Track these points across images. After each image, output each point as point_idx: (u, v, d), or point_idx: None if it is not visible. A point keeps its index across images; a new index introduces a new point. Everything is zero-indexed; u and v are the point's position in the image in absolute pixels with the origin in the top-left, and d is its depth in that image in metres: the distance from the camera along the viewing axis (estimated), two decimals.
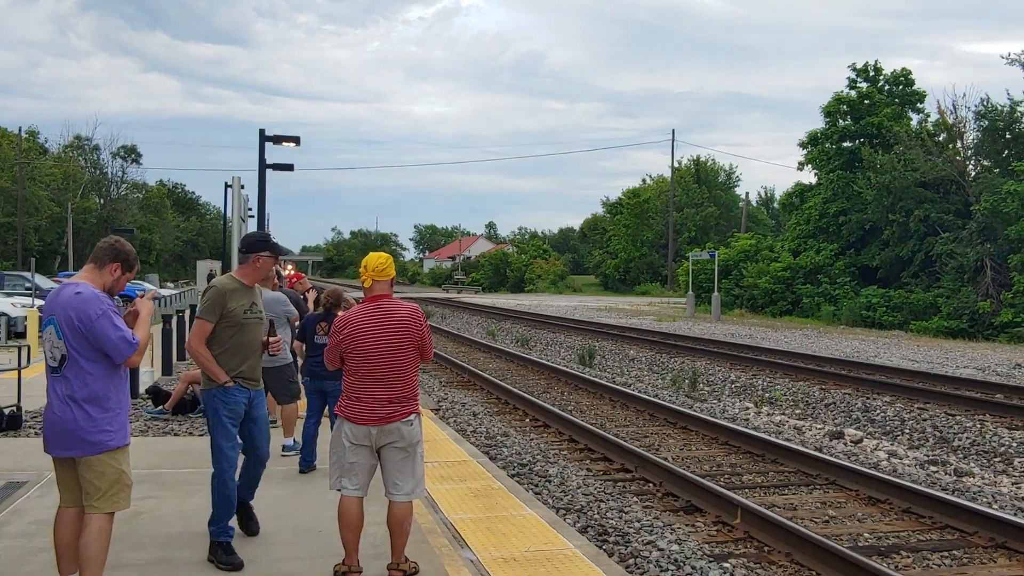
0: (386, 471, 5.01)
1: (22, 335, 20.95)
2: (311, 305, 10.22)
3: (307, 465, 7.90)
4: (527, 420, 12.79)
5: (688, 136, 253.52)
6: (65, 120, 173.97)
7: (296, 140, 16.02)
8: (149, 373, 14.31)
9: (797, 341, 26.68)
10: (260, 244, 5.67)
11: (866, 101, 44.62)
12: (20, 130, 59.69)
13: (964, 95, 59.64)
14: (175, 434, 9.84)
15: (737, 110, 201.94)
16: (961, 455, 11.29)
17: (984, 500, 8.66)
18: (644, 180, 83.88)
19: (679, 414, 12.58)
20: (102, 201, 71.80)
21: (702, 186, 74.45)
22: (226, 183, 33.61)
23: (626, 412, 13.52)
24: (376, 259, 5.10)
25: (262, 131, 15.91)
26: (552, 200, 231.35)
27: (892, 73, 45.86)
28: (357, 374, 4.96)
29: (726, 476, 9.41)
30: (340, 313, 7.79)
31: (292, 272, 14.14)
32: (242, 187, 12.80)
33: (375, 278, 5.06)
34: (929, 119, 43.69)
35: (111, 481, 4.29)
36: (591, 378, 16.62)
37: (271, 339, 5.73)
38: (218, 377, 5.39)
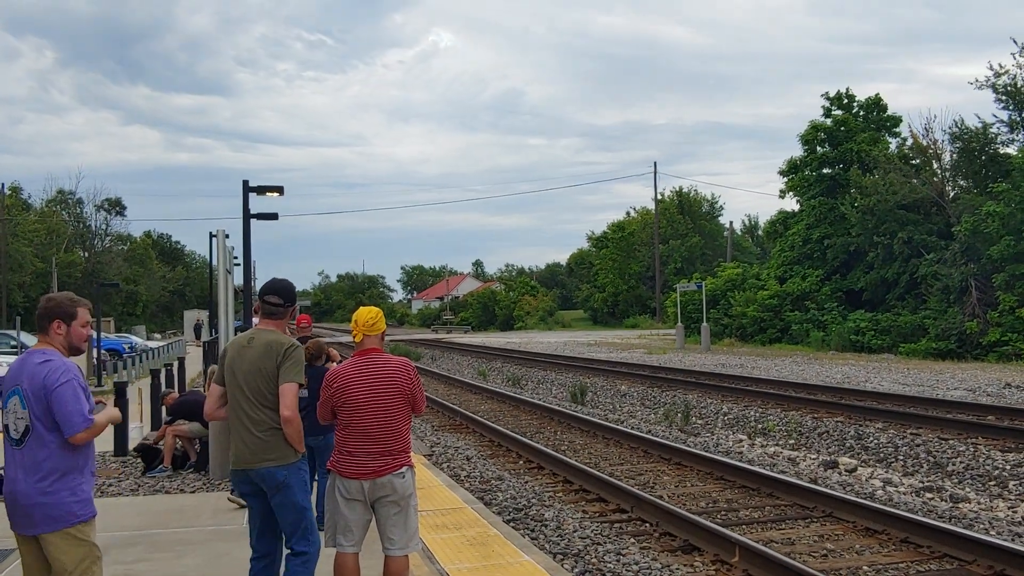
0: (380, 525, 4.98)
1: None
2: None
3: (323, 520, 7.81)
4: (521, 462, 12.73)
5: (669, 167, 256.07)
6: (48, 174, 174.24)
7: (280, 190, 16.06)
8: (138, 429, 14.20)
9: (788, 369, 26.71)
10: (294, 295, 5.07)
11: (842, 128, 45.15)
12: (2, 186, 59.65)
13: (935, 117, 60.44)
14: (166, 491, 9.74)
15: (715, 139, 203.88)
16: (956, 480, 11.29)
17: (981, 526, 8.66)
18: (628, 213, 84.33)
19: (673, 450, 12.55)
20: (87, 254, 71.55)
21: (686, 217, 74.93)
22: (211, 233, 33.59)
23: (620, 450, 13.47)
24: (367, 314, 5.11)
25: (246, 182, 15.94)
26: (537, 235, 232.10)
27: (866, 100, 46.47)
28: (348, 428, 4.95)
29: (722, 512, 9.37)
30: (329, 366, 7.78)
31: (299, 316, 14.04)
32: (227, 237, 12.77)
33: (366, 332, 5.08)
34: (906, 143, 44.20)
35: (80, 556, 4.07)
36: (584, 416, 16.57)
37: None
38: (301, 448, 4.88)
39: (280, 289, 4.92)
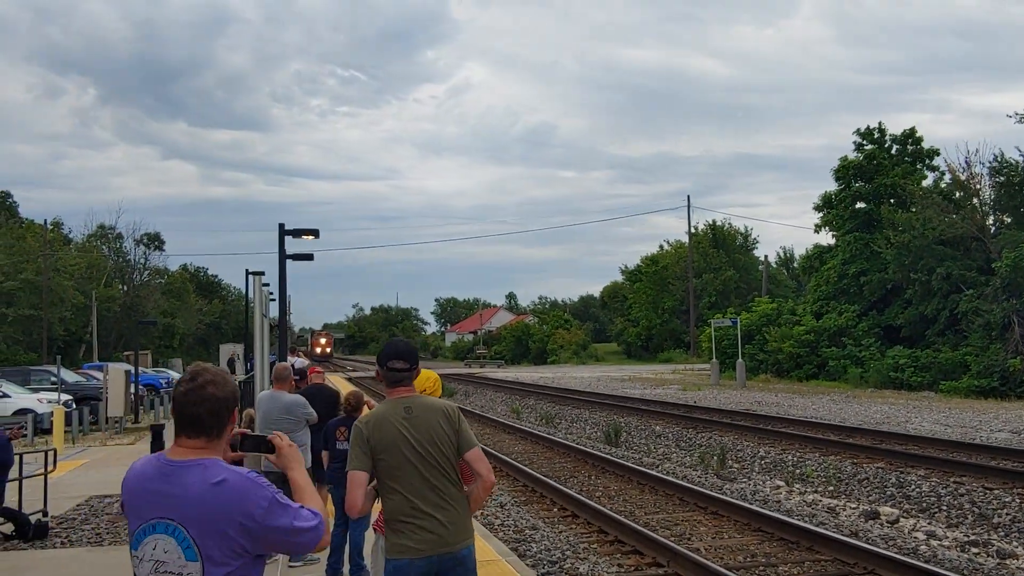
0: None
1: (48, 432, 21.04)
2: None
3: (334, 572, 7.79)
4: (555, 509, 12.60)
5: (701, 199, 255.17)
6: (89, 209, 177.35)
7: (315, 233, 16.20)
8: None
9: (825, 408, 26.32)
10: (417, 356, 4.44)
11: (873, 162, 44.77)
12: (45, 222, 60.87)
13: (976, 151, 59.56)
14: None
15: (748, 171, 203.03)
16: (1002, 533, 11.00)
17: None
18: (661, 246, 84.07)
19: (710, 498, 12.36)
20: (125, 288, 72.63)
21: (720, 250, 74.48)
22: (247, 271, 33.98)
23: (655, 497, 13.30)
24: (425, 381, 4.94)
25: (282, 226, 16.12)
26: (570, 268, 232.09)
27: (901, 133, 46.06)
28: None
29: (761, 568, 9.19)
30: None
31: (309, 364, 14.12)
32: (264, 282, 12.91)
33: None
34: (944, 177, 43.67)
35: None
36: (618, 460, 16.40)
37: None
38: None
39: (405, 352, 4.25)
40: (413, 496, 3.96)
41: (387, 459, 3.97)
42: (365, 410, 8.34)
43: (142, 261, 76.78)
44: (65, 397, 23.82)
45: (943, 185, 43.01)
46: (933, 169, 45.55)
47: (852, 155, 46.17)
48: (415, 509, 3.94)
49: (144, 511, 2.59)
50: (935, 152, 45.51)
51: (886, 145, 45.88)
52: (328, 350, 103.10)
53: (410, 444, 3.98)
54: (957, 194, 41.34)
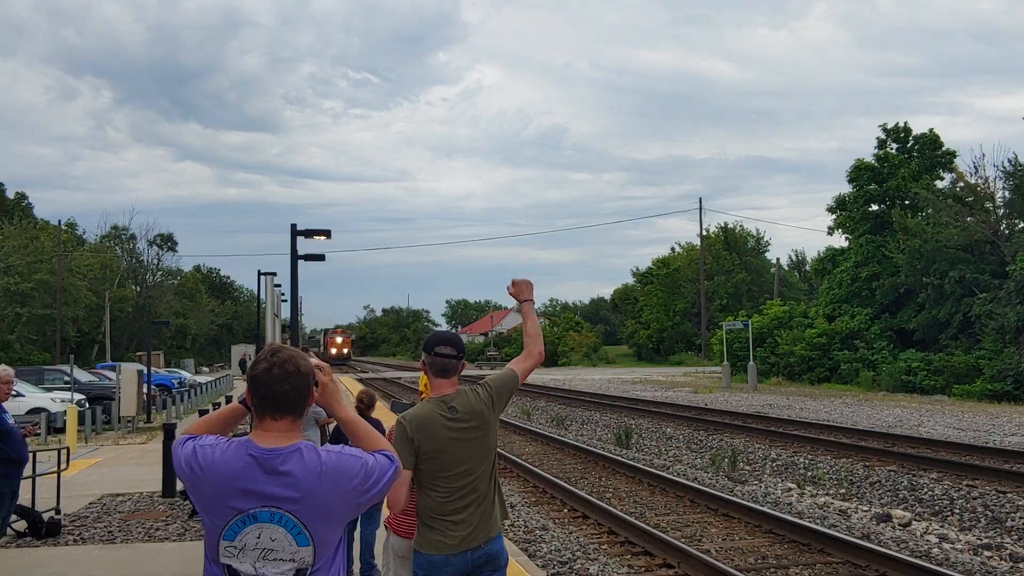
0: None
1: (61, 431, 21.15)
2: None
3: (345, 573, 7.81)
4: (566, 510, 12.59)
5: (713, 202, 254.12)
6: (103, 210, 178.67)
7: (327, 234, 16.26)
8: None
9: (837, 411, 26.21)
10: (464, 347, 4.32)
11: (886, 165, 44.61)
12: (59, 223, 61.24)
13: (984, 156, 59.34)
14: None
15: (760, 174, 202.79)
16: (1016, 536, 10.93)
17: None
18: (673, 248, 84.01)
19: (721, 500, 12.33)
20: (138, 289, 73.00)
21: (732, 253, 74.34)
22: (259, 272, 34.08)
23: (666, 498, 13.27)
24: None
25: (294, 226, 16.18)
26: (581, 270, 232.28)
27: (923, 135, 45.92)
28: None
29: (772, 570, 9.15)
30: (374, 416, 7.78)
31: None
32: (276, 283, 12.98)
33: None
34: (957, 182, 43.48)
35: None
36: (629, 461, 16.37)
37: None
38: None
39: (453, 339, 4.08)
40: (453, 495, 3.89)
41: (431, 462, 3.85)
42: (378, 408, 8.36)
43: (155, 262, 77.30)
44: (78, 396, 23.94)
45: (958, 188, 42.83)
46: (951, 171, 45.39)
47: (874, 152, 46.04)
48: (454, 509, 3.88)
49: (239, 501, 2.49)
50: (953, 154, 45.34)
51: (909, 144, 45.80)
52: (345, 351, 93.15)
53: (455, 450, 3.87)
54: (970, 198, 41.16)
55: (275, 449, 2.52)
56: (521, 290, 4.25)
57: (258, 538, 2.49)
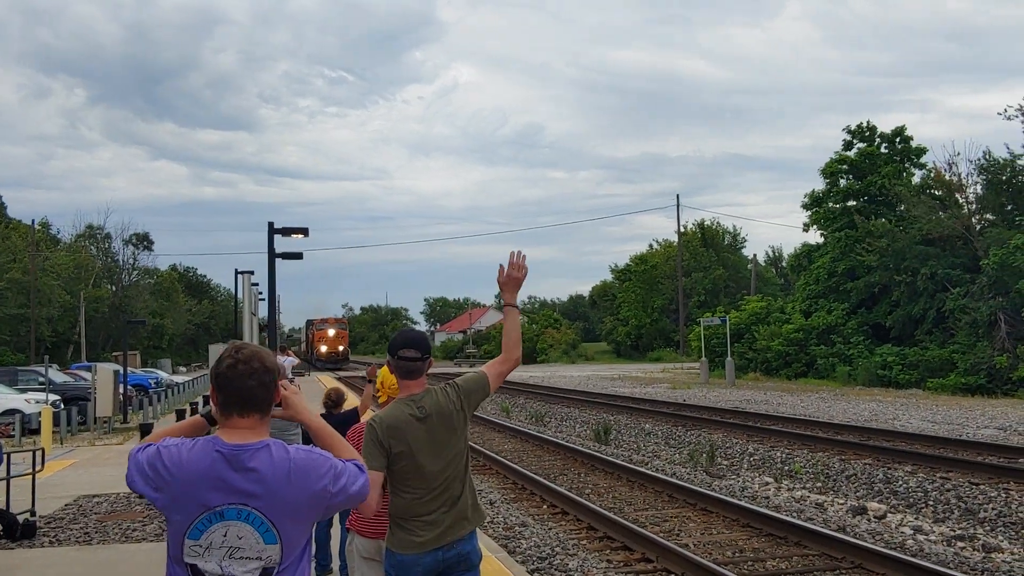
0: None
1: (36, 432, 20.95)
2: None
3: (323, 569, 7.81)
4: (545, 507, 12.63)
5: (689, 199, 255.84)
6: (77, 210, 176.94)
7: (304, 232, 16.18)
8: None
9: (814, 405, 26.43)
10: (430, 346, 4.19)
11: (867, 160, 44.98)
12: (33, 222, 60.56)
13: (958, 153, 60.14)
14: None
15: (735, 171, 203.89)
16: (988, 527, 11.08)
17: None
18: (651, 245, 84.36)
19: (699, 495, 12.41)
20: (114, 288, 72.33)
21: (709, 249, 74.75)
22: (237, 271, 33.89)
23: (644, 494, 13.34)
24: (393, 379, 4.90)
25: (271, 224, 16.10)
26: (560, 268, 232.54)
27: (892, 131, 46.31)
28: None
29: (749, 563, 9.23)
30: (345, 414, 7.79)
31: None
32: (253, 282, 12.92)
33: (390, 395, 5.06)
34: (931, 176, 43.97)
35: None
36: (608, 458, 16.44)
37: None
38: None
39: (417, 340, 4.00)
40: (425, 496, 3.86)
41: (403, 464, 3.81)
42: (348, 404, 8.35)
43: (131, 261, 76.59)
44: (53, 397, 23.72)
45: (931, 183, 43.30)
46: (921, 167, 45.87)
47: (841, 153, 46.40)
48: (426, 509, 3.85)
49: (206, 499, 2.45)
50: (923, 150, 45.82)
51: (876, 143, 46.14)
52: (341, 348, 75.37)
53: (426, 451, 3.83)
54: (940, 192, 41.63)
55: (243, 445, 2.49)
56: (508, 286, 4.18)
57: (224, 536, 2.46)
